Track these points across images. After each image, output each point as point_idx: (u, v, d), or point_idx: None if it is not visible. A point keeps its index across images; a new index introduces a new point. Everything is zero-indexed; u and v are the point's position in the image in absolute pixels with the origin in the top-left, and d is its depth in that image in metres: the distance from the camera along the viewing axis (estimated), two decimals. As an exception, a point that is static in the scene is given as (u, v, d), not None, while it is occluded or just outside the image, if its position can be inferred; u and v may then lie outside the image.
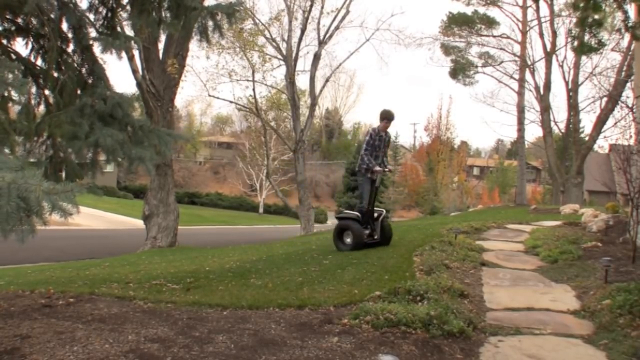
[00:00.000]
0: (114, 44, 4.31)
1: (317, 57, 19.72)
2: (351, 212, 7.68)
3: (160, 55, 13.03)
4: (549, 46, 22.64)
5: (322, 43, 19.63)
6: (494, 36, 24.84)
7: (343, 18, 19.54)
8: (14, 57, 4.45)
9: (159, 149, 4.45)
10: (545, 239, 7.67)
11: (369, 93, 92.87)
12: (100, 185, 4.92)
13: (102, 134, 4.01)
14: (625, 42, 19.30)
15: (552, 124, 23.88)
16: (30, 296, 4.47)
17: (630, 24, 6.41)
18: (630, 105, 8.48)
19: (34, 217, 2.47)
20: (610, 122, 20.81)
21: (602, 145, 26.49)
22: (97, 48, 4.53)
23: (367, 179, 7.44)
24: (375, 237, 7.50)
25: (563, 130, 24.41)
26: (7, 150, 3.89)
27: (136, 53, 12.38)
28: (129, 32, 5.22)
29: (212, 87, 20.51)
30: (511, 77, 24.74)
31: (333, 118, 60.50)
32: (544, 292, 5.12)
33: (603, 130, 21.56)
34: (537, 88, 23.61)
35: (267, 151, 27.91)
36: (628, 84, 18.19)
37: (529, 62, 24.07)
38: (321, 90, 22.43)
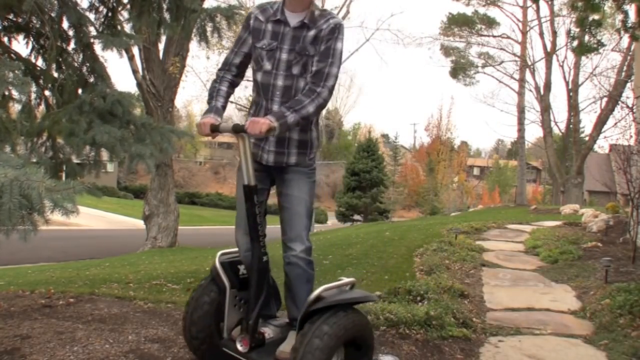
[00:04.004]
0: (114, 42, 4.29)
1: (317, 57, 19.73)
2: None
3: (161, 55, 13.01)
4: (549, 46, 22.69)
5: (322, 43, 19.65)
6: (494, 36, 24.92)
7: (343, 18, 19.58)
8: (14, 57, 4.45)
9: (161, 146, 4.41)
10: (545, 239, 7.67)
11: (369, 93, 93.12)
12: (101, 185, 4.92)
13: (99, 130, 3.97)
14: (625, 43, 19.38)
15: (552, 124, 23.98)
16: (30, 296, 4.46)
17: (629, 25, 6.40)
18: (630, 106, 8.48)
19: (36, 215, 2.46)
20: (610, 122, 20.93)
21: (602, 145, 26.57)
22: (97, 46, 4.52)
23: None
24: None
25: (563, 131, 24.47)
26: (8, 149, 3.88)
27: (136, 53, 12.38)
28: (129, 31, 5.21)
29: (212, 87, 20.55)
30: (511, 77, 24.85)
31: (333, 118, 60.41)
32: (544, 292, 5.13)
33: (603, 130, 21.66)
34: (537, 88, 23.66)
35: (267, 151, 27.84)
36: (628, 84, 18.22)
37: (529, 62, 24.13)
38: (321, 91, 22.43)
